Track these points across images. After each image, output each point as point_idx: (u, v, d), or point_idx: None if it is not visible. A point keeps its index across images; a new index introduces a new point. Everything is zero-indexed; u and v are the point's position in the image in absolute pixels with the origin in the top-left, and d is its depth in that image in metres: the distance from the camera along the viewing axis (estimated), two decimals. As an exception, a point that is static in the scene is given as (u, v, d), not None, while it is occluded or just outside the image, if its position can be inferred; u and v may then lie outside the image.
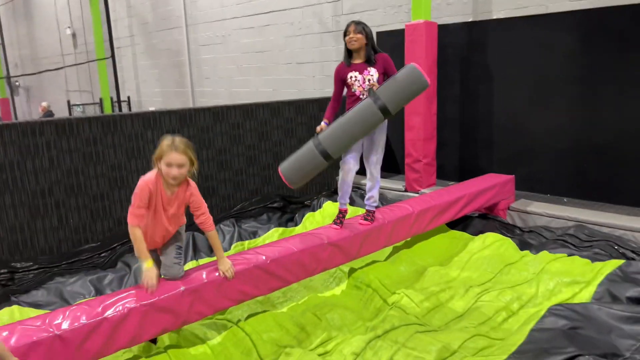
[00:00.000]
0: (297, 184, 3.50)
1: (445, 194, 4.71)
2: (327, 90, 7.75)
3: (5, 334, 2.38)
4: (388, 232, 4.05)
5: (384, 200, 5.89)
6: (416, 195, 5.67)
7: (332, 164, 3.75)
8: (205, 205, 2.93)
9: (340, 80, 3.70)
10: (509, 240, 4.54)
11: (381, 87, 3.39)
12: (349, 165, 3.68)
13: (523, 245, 4.52)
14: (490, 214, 5.23)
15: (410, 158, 6.03)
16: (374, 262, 4.29)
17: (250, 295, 3.22)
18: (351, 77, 3.63)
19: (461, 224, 5.06)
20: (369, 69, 3.58)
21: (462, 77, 6.25)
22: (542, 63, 5.54)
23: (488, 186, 5.00)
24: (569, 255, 4.15)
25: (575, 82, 5.34)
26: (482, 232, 4.79)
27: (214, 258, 3.11)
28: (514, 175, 5.39)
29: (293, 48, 8.50)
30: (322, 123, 3.58)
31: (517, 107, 5.82)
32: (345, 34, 3.59)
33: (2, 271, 4.22)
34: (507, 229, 4.89)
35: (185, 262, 4.28)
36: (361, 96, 3.60)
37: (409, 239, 4.63)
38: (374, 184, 3.84)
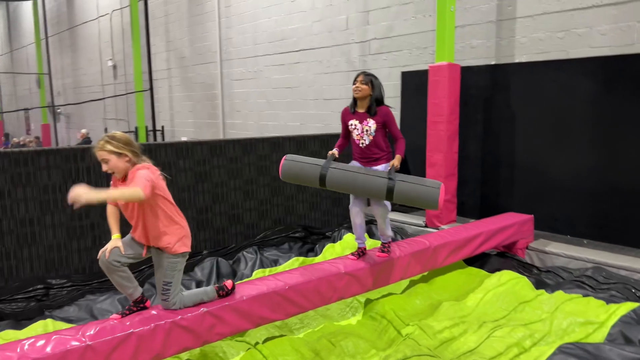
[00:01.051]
0: (285, 179, 3.80)
1: (463, 231, 4.81)
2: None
3: (42, 342, 2.60)
4: (404, 265, 4.17)
5: (403, 234, 6.01)
6: (435, 230, 5.77)
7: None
8: (143, 184, 2.65)
9: (344, 123, 3.92)
10: (525, 278, 4.59)
11: (403, 176, 3.60)
12: (355, 209, 3.92)
13: (539, 285, 4.56)
14: (508, 252, 5.28)
15: (431, 194, 6.15)
16: (390, 294, 4.40)
17: (268, 320, 3.38)
18: (351, 124, 3.84)
19: (479, 261, 5.14)
20: (368, 119, 3.76)
21: (484, 117, 6.41)
22: (563, 106, 5.66)
23: (507, 225, 5.08)
24: (585, 296, 4.18)
25: (595, 124, 5.43)
26: (499, 269, 4.85)
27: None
28: (532, 215, 5.45)
29: (321, 85, 8.83)
30: (334, 149, 3.83)
31: (538, 147, 5.93)
32: (353, 82, 3.79)
33: (39, 287, 4.48)
34: (524, 268, 4.94)
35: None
36: (360, 144, 3.80)
37: (425, 273, 4.73)
38: (383, 222, 3.97)
